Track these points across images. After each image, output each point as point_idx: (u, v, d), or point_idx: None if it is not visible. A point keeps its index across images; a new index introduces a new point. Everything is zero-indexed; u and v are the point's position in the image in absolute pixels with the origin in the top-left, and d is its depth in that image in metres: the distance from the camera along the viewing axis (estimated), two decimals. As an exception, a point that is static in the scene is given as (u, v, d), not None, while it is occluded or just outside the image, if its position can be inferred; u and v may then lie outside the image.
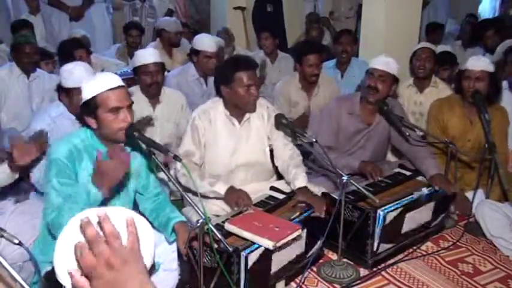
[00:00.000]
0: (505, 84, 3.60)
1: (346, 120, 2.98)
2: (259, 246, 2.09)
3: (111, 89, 1.91)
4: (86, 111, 1.95)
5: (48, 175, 1.95)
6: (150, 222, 2.26)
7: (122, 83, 1.97)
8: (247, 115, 2.65)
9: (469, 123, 3.08)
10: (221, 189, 2.50)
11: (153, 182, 2.29)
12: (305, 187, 2.52)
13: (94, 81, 1.94)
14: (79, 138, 2.02)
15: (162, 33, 4.95)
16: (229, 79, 2.53)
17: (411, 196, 2.59)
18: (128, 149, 2.08)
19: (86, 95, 1.93)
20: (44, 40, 5.55)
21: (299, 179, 2.54)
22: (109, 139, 2.00)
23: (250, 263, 2.06)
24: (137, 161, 2.17)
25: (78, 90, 2.18)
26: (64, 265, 1.02)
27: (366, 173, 2.82)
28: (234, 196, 2.45)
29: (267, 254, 2.15)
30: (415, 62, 3.65)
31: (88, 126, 2.00)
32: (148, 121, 3.22)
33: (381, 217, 2.44)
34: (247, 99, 2.54)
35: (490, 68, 2.97)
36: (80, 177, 1.99)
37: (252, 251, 2.07)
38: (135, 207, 2.37)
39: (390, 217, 2.49)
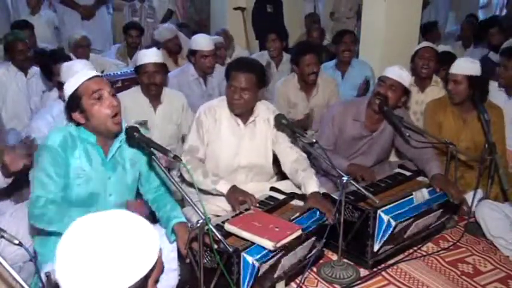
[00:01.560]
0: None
1: (350, 126, 2.95)
2: (272, 256, 2.08)
3: (87, 79, 1.97)
4: (72, 106, 1.99)
5: (42, 161, 1.98)
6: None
7: (97, 73, 2.04)
8: (252, 117, 2.64)
9: (462, 123, 3.09)
10: (223, 188, 2.48)
11: (154, 176, 2.28)
12: (317, 193, 2.46)
13: (72, 78, 2.01)
14: (73, 127, 2.05)
15: (159, 45, 4.94)
16: (228, 78, 2.57)
17: (420, 205, 2.59)
18: (120, 138, 2.09)
19: (68, 92, 1.99)
20: (48, 40, 5.60)
21: (309, 183, 2.49)
22: (100, 131, 2.02)
23: (261, 272, 2.06)
24: (132, 154, 2.18)
25: None
26: (66, 270, 1.03)
27: (356, 177, 2.78)
28: (238, 195, 2.43)
29: (277, 262, 2.15)
30: (418, 61, 3.62)
31: (77, 124, 2.03)
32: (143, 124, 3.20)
33: (391, 226, 2.44)
34: (229, 97, 2.55)
35: (471, 72, 2.95)
36: (71, 167, 2.01)
37: (265, 261, 2.05)
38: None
39: (400, 226, 2.50)
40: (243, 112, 2.60)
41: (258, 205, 2.47)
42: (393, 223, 2.44)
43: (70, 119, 2.03)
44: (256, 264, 2.01)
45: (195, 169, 2.51)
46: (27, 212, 1.98)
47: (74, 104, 1.97)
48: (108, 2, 6.01)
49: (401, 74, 2.80)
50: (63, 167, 1.99)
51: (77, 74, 2.04)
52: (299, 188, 2.59)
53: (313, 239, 2.34)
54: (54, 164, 1.96)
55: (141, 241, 1.08)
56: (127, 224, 1.09)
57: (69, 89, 1.99)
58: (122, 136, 2.09)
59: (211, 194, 2.55)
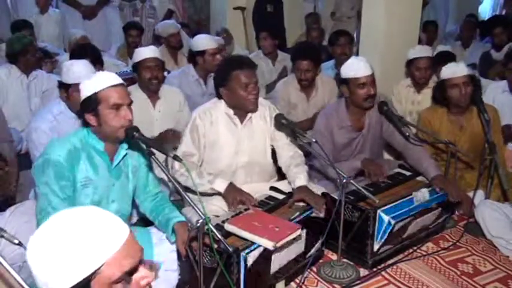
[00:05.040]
0: (504, 85, 3.60)
1: (338, 135, 2.94)
2: (258, 245, 2.09)
3: (112, 86, 1.92)
4: (87, 108, 1.95)
5: (46, 176, 1.93)
6: (152, 223, 2.28)
7: (122, 81, 1.99)
8: (249, 115, 2.64)
9: (459, 129, 3.07)
10: (220, 186, 2.49)
11: (152, 181, 2.29)
12: (304, 186, 2.49)
13: (95, 78, 1.95)
14: (78, 137, 2.02)
15: (161, 40, 4.99)
16: (226, 79, 2.52)
17: (419, 204, 2.59)
18: (125, 145, 2.08)
19: (87, 91, 1.93)
20: (56, 39, 5.63)
21: (299, 177, 2.53)
22: (108, 137, 2.00)
23: (249, 263, 2.06)
24: (134, 159, 2.18)
25: (76, 87, 2.30)
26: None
27: (369, 171, 2.79)
28: (237, 194, 2.44)
29: (267, 254, 2.15)
30: (415, 71, 3.64)
31: (87, 125, 2.00)
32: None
33: (388, 225, 2.44)
34: (246, 97, 2.52)
35: (469, 71, 2.96)
36: (77, 178, 1.99)
37: (251, 251, 2.06)
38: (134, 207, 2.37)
39: (399, 225, 2.50)
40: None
41: (258, 205, 2.47)
42: (392, 222, 2.44)
43: (82, 118, 2.00)
44: (243, 253, 2.02)
45: (190, 170, 2.48)
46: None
47: (90, 107, 1.93)
48: (111, 2, 6.01)
49: (367, 65, 2.81)
50: (69, 180, 1.97)
51: (100, 74, 1.98)
52: (290, 184, 2.60)
53: (304, 232, 2.32)
54: (58, 178, 1.93)
55: (100, 231, 1.05)
56: (91, 216, 1.07)
57: (88, 89, 1.93)
58: (128, 145, 2.09)
59: (208, 195, 2.54)
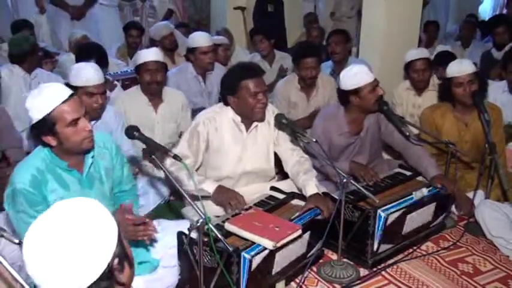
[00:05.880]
0: (504, 85, 3.60)
1: (336, 140, 2.93)
2: (264, 249, 2.08)
3: (63, 102, 1.83)
4: (42, 130, 1.85)
5: (19, 205, 1.87)
6: None
7: (71, 91, 1.89)
8: (255, 123, 2.62)
9: (464, 126, 3.07)
10: (209, 187, 2.46)
11: (126, 177, 2.29)
12: (317, 194, 2.45)
13: (42, 97, 1.83)
14: (39, 158, 1.95)
15: (156, 43, 4.97)
16: (236, 88, 2.49)
17: (412, 197, 2.58)
18: (91, 153, 2.03)
19: (38, 114, 1.82)
20: (52, 39, 5.63)
21: (309, 185, 2.49)
22: (72, 152, 1.95)
23: (253, 266, 2.06)
24: (106, 161, 2.14)
25: (84, 90, 2.52)
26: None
27: (358, 176, 2.79)
28: (226, 197, 2.42)
29: (270, 256, 2.15)
30: (413, 74, 3.62)
31: (45, 145, 1.92)
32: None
33: (382, 219, 2.44)
34: (256, 106, 2.49)
35: (474, 68, 2.98)
36: (49, 200, 1.93)
37: (256, 254, 2.06)
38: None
39: (391, 218, 2.49)
40: None
41: (258, 205, 2.47)
42: (382, 215, 2.43)
43: (38, 140, 1.91)
44: (247, 257, 2.02)
45: (180, 170, 2.46)
46: None
47: (45, 128, 1.83)
48: (97, 1, 5.98)
49: (368, 69, 2.81)
50: (41, 204, 1.89)
51: (46, 90, 1.85)
52: (300, 191, 2.59)
53: (308, 234, 2.33)
54: (32, 205, 1.87)
55: (102, 223, 1.07)
56: (82, 212, 1.09)
57: (39, 111, 1.81)
58: (94, 152, 2.03)
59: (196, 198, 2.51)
